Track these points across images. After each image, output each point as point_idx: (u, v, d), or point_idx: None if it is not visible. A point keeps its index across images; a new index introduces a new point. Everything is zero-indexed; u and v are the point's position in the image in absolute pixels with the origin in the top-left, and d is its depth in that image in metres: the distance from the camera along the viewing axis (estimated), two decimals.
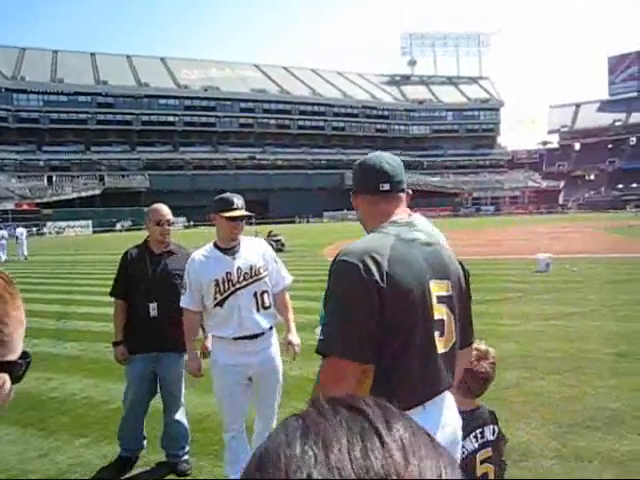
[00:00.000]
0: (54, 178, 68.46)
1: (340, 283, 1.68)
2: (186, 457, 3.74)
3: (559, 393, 4.69)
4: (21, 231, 27.03)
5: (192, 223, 57.29)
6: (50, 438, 4.23)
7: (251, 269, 3.20)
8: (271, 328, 3.29)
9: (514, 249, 19.49)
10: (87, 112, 75.88)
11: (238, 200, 3.20)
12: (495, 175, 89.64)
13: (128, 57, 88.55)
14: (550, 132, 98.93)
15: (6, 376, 0.65)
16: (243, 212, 3.22)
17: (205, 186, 67.75)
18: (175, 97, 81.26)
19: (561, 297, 9.59)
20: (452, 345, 1.78)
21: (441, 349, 1.73)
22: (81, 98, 75.97)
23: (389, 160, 1.89)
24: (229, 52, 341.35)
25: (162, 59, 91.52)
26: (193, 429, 3.98)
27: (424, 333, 1.68)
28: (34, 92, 73.53)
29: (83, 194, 65.59)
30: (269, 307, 3.26)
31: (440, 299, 1.73)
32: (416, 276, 1.68)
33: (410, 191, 1.95)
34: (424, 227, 1.85)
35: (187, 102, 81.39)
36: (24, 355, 0.67)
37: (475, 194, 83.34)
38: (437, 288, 1.73)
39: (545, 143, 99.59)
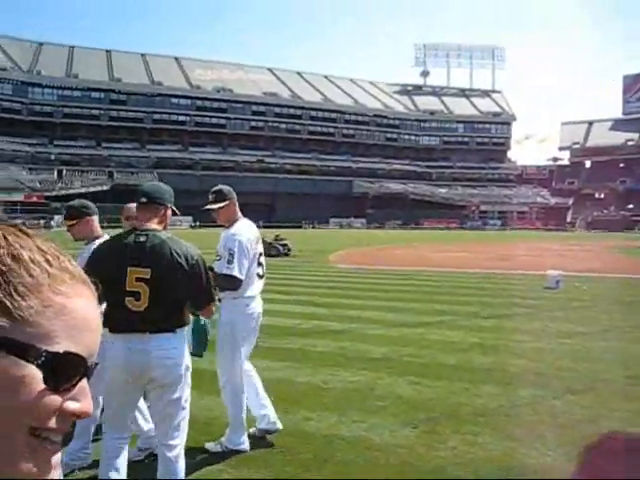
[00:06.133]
0: (64, 172, 68.83)
1: (90, 256, 3.06)
2: None
3: (574, 414, 4.56)
4: None
5: (198, 223, 57.23)
6: None
7: None
8: None
9: (523, 265, 19.33)
10: (100, 108, 76.33)
11: None
12: (504, 189, 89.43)
13: (143, 55, 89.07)
14: (561, 149, 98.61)
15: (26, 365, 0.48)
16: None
17: (213, 186, 67.52)
18: (187, 97, 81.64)
19: (572, 315, 9.45)
20: (146, 307, 2.76)
21: (135, 308, 2.76)
22: (94, 94, 76.51)
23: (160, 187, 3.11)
24: (243, 55, 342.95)
25: (176, 59, 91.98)
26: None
27: (117, 296, 2.74)
28: (49, 86, 74.08)
29: (92, 189, 65.61)
30: None
31: (138, 279, 2.76)
32: (115, 262, 2.80)
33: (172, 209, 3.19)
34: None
35: (199, 102, 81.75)
36: (67, 355, 0.50)
37: (483, 207, 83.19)
38: (137, 272, 2.76)
39: (556, 159, 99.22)
